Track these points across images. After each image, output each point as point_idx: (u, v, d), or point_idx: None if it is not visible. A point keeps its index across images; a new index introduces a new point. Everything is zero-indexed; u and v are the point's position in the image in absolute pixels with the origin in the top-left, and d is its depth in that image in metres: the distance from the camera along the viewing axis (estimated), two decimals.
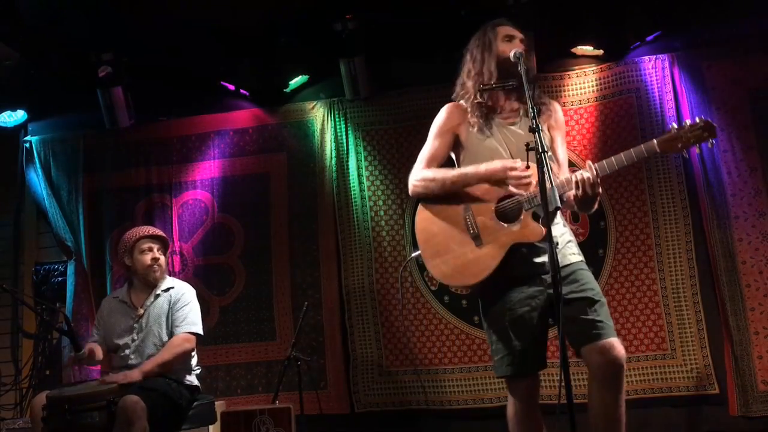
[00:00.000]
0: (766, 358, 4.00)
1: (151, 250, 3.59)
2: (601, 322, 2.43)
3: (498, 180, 2.52)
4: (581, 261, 2.58)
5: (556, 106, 2.76)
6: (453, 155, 2.77)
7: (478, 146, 2.65)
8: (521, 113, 2.66)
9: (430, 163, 2.69)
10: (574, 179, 2.38)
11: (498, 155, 2.59)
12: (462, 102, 2.74)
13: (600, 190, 2.39)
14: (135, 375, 3.26)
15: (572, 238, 2.63)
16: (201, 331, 3.58)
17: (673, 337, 4.13)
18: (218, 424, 3.68)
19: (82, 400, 2.98)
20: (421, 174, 2.67)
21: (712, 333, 4.09)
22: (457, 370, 4.38)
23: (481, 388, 4.32)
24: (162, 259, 3.63)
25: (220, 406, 3.89)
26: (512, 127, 2.65)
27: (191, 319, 3.53)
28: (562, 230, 2.60)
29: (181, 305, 3.55)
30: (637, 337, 4.16)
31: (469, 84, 2.71)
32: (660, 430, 4.09)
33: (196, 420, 3.48)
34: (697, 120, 2.38)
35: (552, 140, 2.68)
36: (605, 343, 2.40)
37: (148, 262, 3.57)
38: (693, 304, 4.13)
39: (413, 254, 2.71)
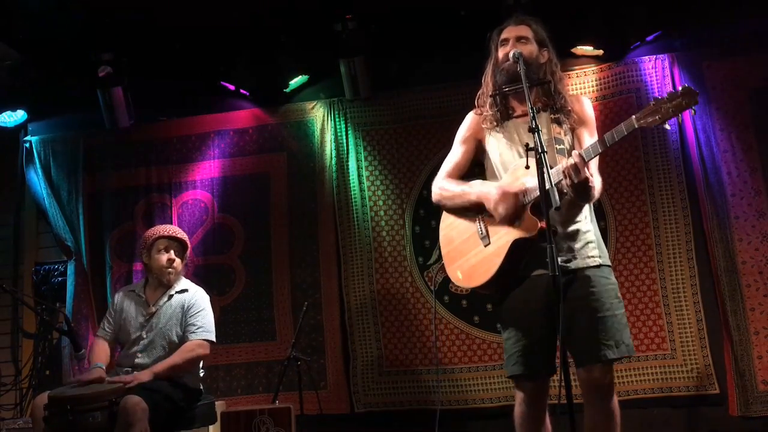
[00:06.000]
0: (766, 358, 4.00)
1: (168, 250, 3.60)
2: (593, 342, 2.44)
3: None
4: (599, 265, 2.53)
5: (582, 100, 2.70)
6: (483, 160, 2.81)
7: (493, 151, 2.70)
8: (541, 109, 2.65)
9: (452, 171, 2.77)
10: (561, 167, 2.36)
11: (508, 159, 2.63)
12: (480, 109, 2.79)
13: (586, 174, 2.33)
14: (145, 376, 3.26)
15: (595, 237, 2.57)
16: (214, 339, 3.59)
17: (673, 337, 4.13)
18: (218, 424, 3.68)
19: (83, 400, 2.98)
20: (439, 184, 2.77)
21: (712, 333, 4.09)
22: (457, 370, 4.38)
23: (482, 388, 4.33)
24: (178, 261, 3.64)
25: (220, 406, 3.89)
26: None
27: (207, 326, 3.55)
28: (585, 227, 2.57)
29: (196, 311, 3.55)
30: (637, 337, 4.16)
31: (481, 93, 2.78)
32: (660, 430, 4.09)
33: (196, 420, 3.48)
34: (680, 87, 2.27)
35: (577, 137, 2.62)
36: (590, 369, 2.46)
37: (164, 262, 3.58)
38: (693, 304, 4.13)
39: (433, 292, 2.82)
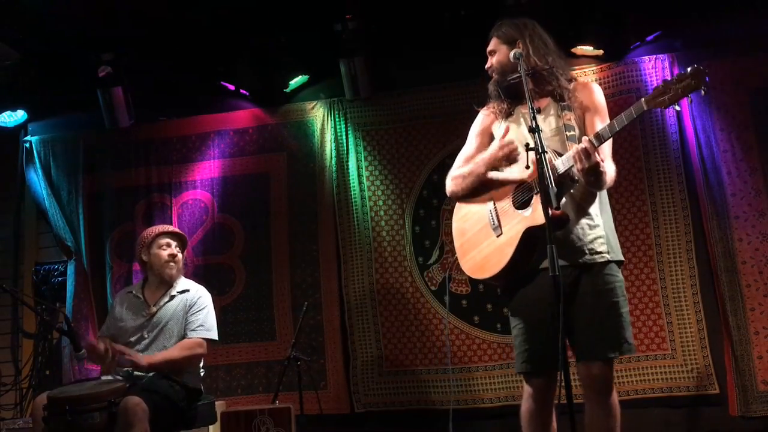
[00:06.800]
0: (766, 358, 4.00)
1: (169, 246, 3.60)
2: (594, 338, 2.44)
3: (498, 159, 2.55)
4: (606, 261, 2.51)
5: (591, 88, 2.67)
6: None
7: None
8: (549, 99, 2.65)
9: (465, 162, 2.76)
10: (572, 153, 2.35)
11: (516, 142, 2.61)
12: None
13: (597, 159, 2.31)
14: (141, 361, 3.27)
15: (604, 232, 2.54)
16: (216, 337, 3.58)
17: (673, 337, 4.13)
18: (218, 424, 3.68)
19: (82, 401, 2.97)
20: (452, 173, 2.77)
21: (712, 333, 4.09)
22: (457, 370, 4.38)
23: (482, 388, 4.32)
24: (179, 256, 3.64)
25: (220, 406, 3.89)
26: (538, 116, 2.63)
27: (207, 324, 3.53)
28: (595, 221, 2.54)
29: (197, 309, 3.54)
30: (637, 337, 4.16)
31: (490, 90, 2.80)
32: (660, 430, 4.09)
33: (196, 420, 3.48)
34: (688, 68, 2.23)
35: (586, 122, 2.59)
36: (589, 366, 2.46)
37: (166, 257, 3.58)
38: (693, 304, 4.13)
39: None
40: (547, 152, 2.25)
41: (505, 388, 4.27)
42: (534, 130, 2.27)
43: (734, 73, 4.27)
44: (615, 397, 2.50)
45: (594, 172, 2.34)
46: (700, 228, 4.20)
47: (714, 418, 4.04)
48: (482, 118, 2.82)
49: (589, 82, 2.87)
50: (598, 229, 2.54)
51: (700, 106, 4.25)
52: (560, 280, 2.13)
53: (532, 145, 2.29)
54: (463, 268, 2.71)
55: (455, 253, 2.80)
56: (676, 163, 4.28)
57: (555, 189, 2.20)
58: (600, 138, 2.34)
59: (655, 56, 4.36)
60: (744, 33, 4.26)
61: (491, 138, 2.77)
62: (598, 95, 2.64)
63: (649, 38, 4.40)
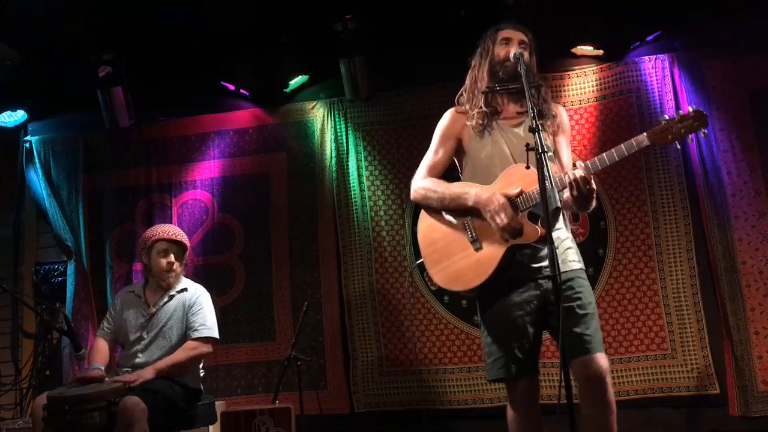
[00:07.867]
0: (766, 358, 4.00)
1: (167, 254, 3.59)
2: (587, 335, 2.44)
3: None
4: (580, 269, 2.57)
5: (561, 110, 2.76)
6: (456, 160, 2.78)
7: (477, 152, 2.67)
8: (524, 117, 2.65)
9: (432, 170, 2.72)
10: (567, 179, 2.38)
11: (495, 161, 2.61)
12: (463, 107, 2.76)
13: (594, 186, 2.37)
14: (148, 374, 3.25)
15: (573, 244, 2.62)
16: (217, 336, 3.58)
17: (673, 337, 4.13)
18: (218, 424, 3.68)
19: (82, 401, 2.98)
20: (421, 183, 2.70)
21: (712, 333, 4.09)
22: (457, 370, 4.38)
23: (481, 388, 4.32)
24: (177, 263, 3.63)
25: (220, 406, 3.89)
26: (516, 129, 2.65)
27: (209, 323, 3.54)
28: (563, 235, 2.60)
29: (197, 308, 3.54)
30: (637, 337, 4.16)
31: (469, 89, 2.75)
32: (660, 430, 4.09)
33: (196, 420, 3.48)
34: (690, 109, 2.34)
35: (556, 144, 2.68)
36: (587, 358, 2.43)
37: (164, 266, 3.57)
38: (693, 304, 4.13)
39: (416, 262, 2.75)
40: (548, 152, 2.26)
41: (506, 388, 4.26)
42: (534, 130, 2.26)
43: (734, 73, 4.27)
44: (612, 393, 2.48)
45: (588, 198, 2.39)
46: (700, 228, 4.20)
47: (714, 418, 4.04)
48: (449, 120, 2.75)
49: (557, 104, 2.90)
50: (568, 240, 2.61)
51: (700, 107, 4.22)
52: (559, 281, 2.13)
53: (531, 145, 2.29)
54: (433, 278, 2.64)
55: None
56: (676, 163, 4.28)
57: (556, 190, 2.22)
58: (597, 166, 2.40)
59: (655, 56, 4.36)
60: (744, 33, 4.26)
61: (458, 143, 2.72)
62: (567, 119, 2.76)
63: (649, 38, 4.39)
